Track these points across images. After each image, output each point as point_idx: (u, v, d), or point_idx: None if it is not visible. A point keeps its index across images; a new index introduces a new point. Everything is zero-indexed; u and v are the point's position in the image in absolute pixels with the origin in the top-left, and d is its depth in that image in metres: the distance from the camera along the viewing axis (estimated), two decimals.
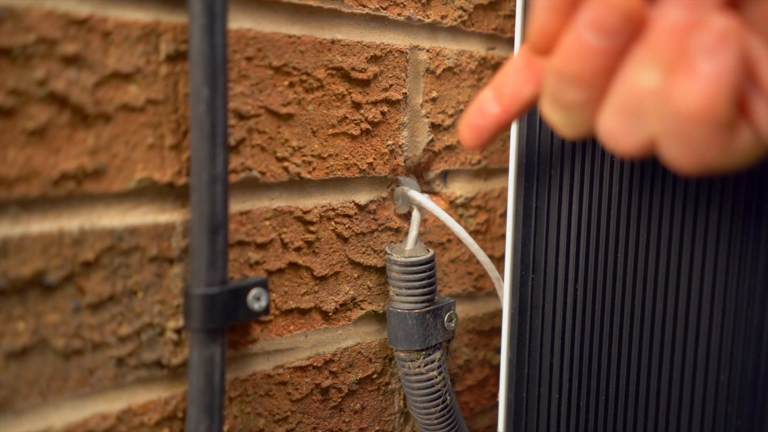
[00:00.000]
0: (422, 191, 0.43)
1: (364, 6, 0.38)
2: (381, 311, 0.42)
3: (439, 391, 0.41)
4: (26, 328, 0.28)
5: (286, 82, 0.35)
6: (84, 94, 0.28)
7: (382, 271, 0.41)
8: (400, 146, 0.41)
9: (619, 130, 0.22)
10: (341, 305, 0.40)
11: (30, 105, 0.27)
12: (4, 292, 0.27)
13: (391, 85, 0.40)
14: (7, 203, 0.27)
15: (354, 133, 0.39)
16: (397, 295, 0.40)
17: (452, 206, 0.45)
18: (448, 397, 0.41)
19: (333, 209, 0.38)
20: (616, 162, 0.34)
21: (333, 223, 0.38)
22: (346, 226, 0.39)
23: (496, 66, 0.46)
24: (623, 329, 0.34)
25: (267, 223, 0.35)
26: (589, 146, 0.34)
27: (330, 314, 0.39)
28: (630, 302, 0.34)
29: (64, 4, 0.27)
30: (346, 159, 0.39)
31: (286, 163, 0.36)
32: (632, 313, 0.34)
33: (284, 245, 0.36)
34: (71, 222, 0.29)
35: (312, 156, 0.37)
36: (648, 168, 0.32)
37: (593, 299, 0.35)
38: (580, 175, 0.35)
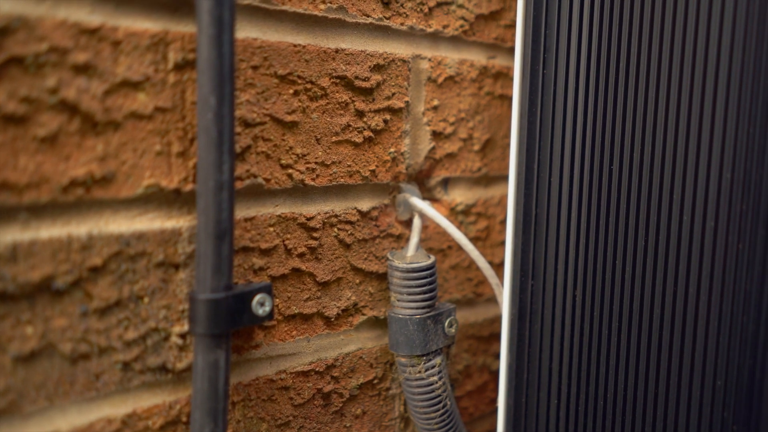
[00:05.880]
0: (423, 198, 0.43)
1: (368, 16, 0.39)
2: (382, 317, 0.42)
3: (439, 396, 0.41)
4: (34, 333, 0.28)
5: (291, 91, 0.36)
6: (94, 102, 0.29)
7: (383, 277, 0.42)
8: (402, 154, 0.42)
9: None
10: (343, 311, 0.40)
11: (41, 113, 0.27)
12: (14, 296, 0.27)
13: (393, 94, 0.41)
14: (18, 209, 0.27)
15: (357, 140, 0.39)
16: (398, 300, 0.41)
17: (453, 213, 0.46)
18: (449, 402, 0.42)
19: (336, 216, 0.39)
20: (614, 170, 0.34)
21: (336, 229, 0.39)
22: (349, 232, 0.40)
23: (496, 75, 0.47)
24: (621, 335, 0.35)
25: (271, 229, 0.36)
26: (587, 154, 0.35)
27: (332, 320, 0.40)
28: (628, 308, 0.34)
29: (76, 13, 0.28)
30: (349, 166, 0.39)
31: (290, 170, 0.36)
32: (630, 319, 0.34)
33: (288, 251, 0.37)
34: (80, 228, 0.29)
35: (316, 163, 0.37)
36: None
37: (592, 305, 0.36)
38: (579, 182, 0.36)
